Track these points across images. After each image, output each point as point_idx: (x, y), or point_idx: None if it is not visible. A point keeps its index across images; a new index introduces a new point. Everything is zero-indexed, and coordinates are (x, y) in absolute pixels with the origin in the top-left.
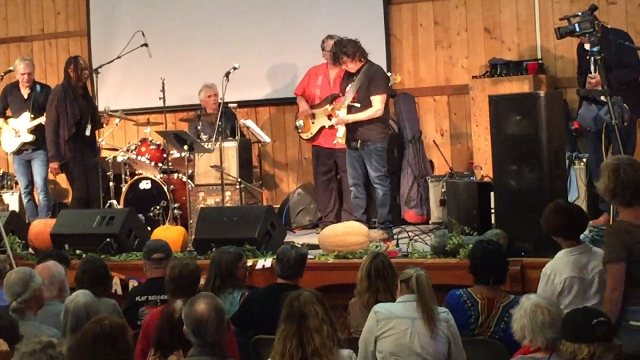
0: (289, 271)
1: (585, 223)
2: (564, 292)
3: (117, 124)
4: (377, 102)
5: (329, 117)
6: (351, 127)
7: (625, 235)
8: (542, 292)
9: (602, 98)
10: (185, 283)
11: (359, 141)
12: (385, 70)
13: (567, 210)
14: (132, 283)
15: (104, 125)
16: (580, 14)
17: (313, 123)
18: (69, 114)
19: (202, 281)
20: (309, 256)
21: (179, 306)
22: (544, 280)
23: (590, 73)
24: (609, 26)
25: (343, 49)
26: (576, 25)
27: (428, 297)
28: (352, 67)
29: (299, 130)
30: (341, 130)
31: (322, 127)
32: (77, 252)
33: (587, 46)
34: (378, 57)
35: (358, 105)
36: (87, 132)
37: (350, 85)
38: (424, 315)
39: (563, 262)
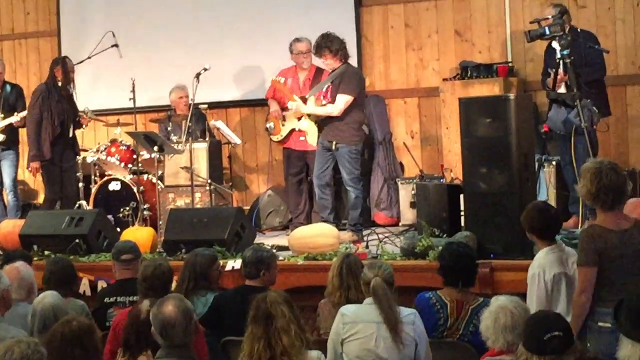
0: (253, 272)
1: (561, 224)
2: (554, 288)
3: (86, 125)
4: (340, 102)
5: (299, 119)
6: (326, 129)
7: (598, 240)
8: (535, 294)
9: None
10: (157, 284)
11: (334, 142)
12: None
13: (547, 211)
14: (101, 284)
15: (84, 126)
16: (550, 17)
17: (283, 125)
18: (54, 114)
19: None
20: (279, 258)
21: (145, 307)
22: (534, 281)
23: (555, 73)
24: (578, 29)
25: (328, 42)
26: (546, 28)
27: (386, 306)
28: (331, 63)
29: (270, 132)
30: (304, 124)
31: (292, 130)
32: (46, 253)
33: (555, 46)
34: (349, 59)
35: (325, 102)
36: (70, 134)
37: (322, 81)
38: (386, 322)
39: (548, 259)
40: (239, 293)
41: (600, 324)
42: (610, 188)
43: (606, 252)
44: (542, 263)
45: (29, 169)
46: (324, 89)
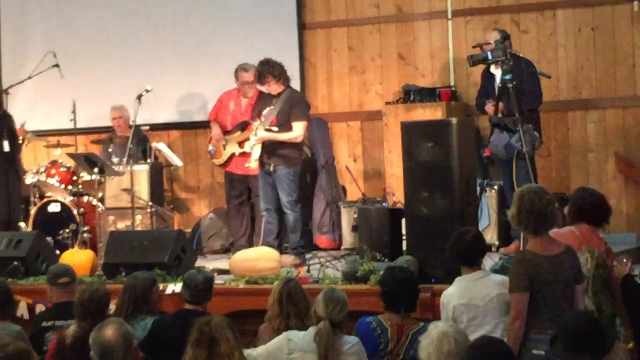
0: (197, 296)
1: (483, 249)
2: (456, 320)
3: (26, 145)
4: (299, 128)
5: (240, 144)
6: (265, 151)
7: (528, 265)
8: (442, 319)
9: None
10: (94, 309)
11: (272, 165)
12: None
13: (470, 237)
14: (39, 307)
15: (24, 144)
16: (492, 42)
17: (225, 149)
18: None
19: (110, 305)
20: (220, 281)
21: (70, 332)
22: (441, 306)
23: (495, 98)
24: (520, 55)
25: (270, 68)
26: (489, 53)
27: (323, 355)
28: (275, 88)
29: (211, 156)
30: (256, 153)
31: (233, 154)
32: None
33: (494, 71)
34: (292, 82)
35: (276, 129)
36: (6, 148)
37: (268, 108)
38: None
39: (454, 289)
40: (179, 317)
41: (534, 351)
42: (530, 212)
43: (537, 277)
44: (449, 292)
45: None
46: (275, 116)
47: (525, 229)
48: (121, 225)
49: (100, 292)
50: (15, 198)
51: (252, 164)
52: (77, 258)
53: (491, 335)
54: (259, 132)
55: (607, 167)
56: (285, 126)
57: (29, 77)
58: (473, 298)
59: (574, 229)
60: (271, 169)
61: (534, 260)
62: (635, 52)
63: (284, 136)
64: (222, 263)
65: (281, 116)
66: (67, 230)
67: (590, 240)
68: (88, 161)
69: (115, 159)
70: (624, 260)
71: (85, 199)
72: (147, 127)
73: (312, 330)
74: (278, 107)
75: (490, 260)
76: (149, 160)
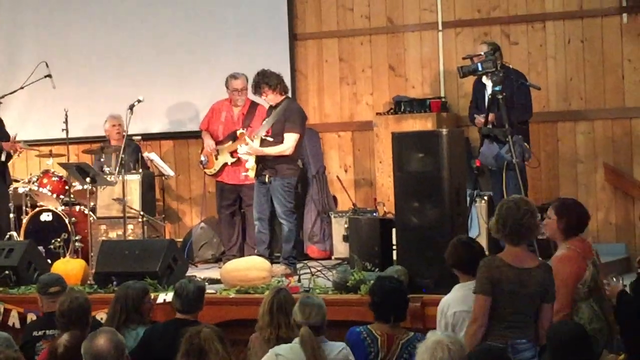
0: (189, 306)
1: (481, 256)
2: (456, 326)
3: (19, 155)
4: (290, 140)
5: (232, 154)
6: (261, 161)
7: (494, 271)
8: (438, 326)
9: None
10: (76, 317)
11: (267, 175)
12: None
13: (467, 245)
14: (31, 317)
15: (15, 154)
16: (482, 53)
17: (217, 159)
18: None
19: (101, 315)
20: (211, 291)
21: (62, 342)
22: (439, 314)
23: (487, 109)
24: (510, 66)
25: (266, 79)
26: (479, 64)
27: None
28: (272, 98)
29: (203, 166)
30: (251, 162)
31: (225, 164)
32: None
33: (485, 81)
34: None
35: (271, 139)
36: (2, 157)
37: (266, 119)
38: None
39: (454, 296)
40: (170, 327)
41: None
42: (506, 221)
43: (500, 284)
44: (449, 298)
45: None
46: (271, 126)
47: (502, 237)
48: (113, 234)
49: (80, 300)
50: (4, 207)
51: (250, 173)
52: (68, 267)
53: (491, 343)
54: (252, 144)
55: (596, 178)
56: (279, 137)
57: (22, 87)
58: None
59: (571, 246)
60: (266, 179)
61: (500, 268)
62: (624, 64)
63: (272, 150)
64: (213, 272)
65: (277, 126)
66: (59, 239)
67: (586, 251)
68: (80, 171)
69: (107, 169)
70: (614, 279)
71: (77, 208)
72: (139, 137)
73: (297, 340)
74: (275, 118)
75: None
76: (140, 170)
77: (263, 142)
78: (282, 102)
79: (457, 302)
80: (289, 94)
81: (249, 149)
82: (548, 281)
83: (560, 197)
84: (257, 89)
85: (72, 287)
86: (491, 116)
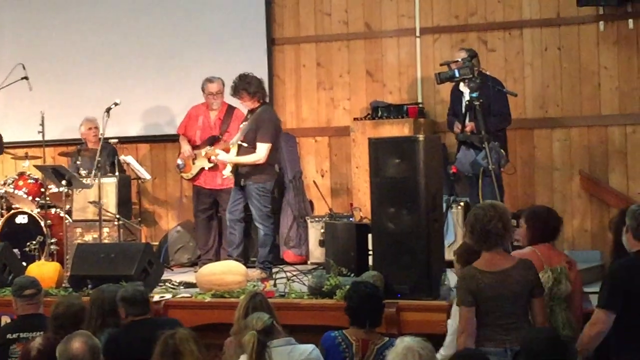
0: (143, 308)
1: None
2: None
3: None
4: (262, 150)
5: (209, 159)
6: (239, 168)
7: (471, 281)
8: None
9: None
10: (69, 323)
11: (243, 180)
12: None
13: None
14: (5, 319)
15: None
16: (460, 59)
17: (194, 164)
18: None
19: None
20: (186, 295)
21: (36, 345)
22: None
23: (464, 116)
24: (487, 73)
25: (245, 85)
26: (456, 71)
27: None
28: (248, 104)
29: (180, 170)
30: (228, 170)
31: (202, 169)
32: None
33: (463, 89)
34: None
35: (246, 145)
36: None
37: (244, 122)
38: None
39: None
40: (131, 329)
41: None
42: (474, 227)
43: (479, 293)
44: None
45: None
46: (245, 133)
47: (475, 244)
48: (88, 237)
49: (75, 307)
50: None
51: (228, 174)
52: (43, 270)
53: (471, 348)
54: (221, 155)
55: (572, 185)
56: (253, 144)
57: None
58: None
59: (534, 249)
60: (242, 183)
61: (477, 277)
62: (601, 72)
63: (245, 159)
64: (188, 276)
65: (250, 134)
66: (34, 242)
67: (551, 258)
68: (56, 173)
69: (83, 172)
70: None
71: (53, 211)
72: (116, 140)
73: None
74: (250, 125)
75: (455, 276)
76: (117, 173)
77: (240, 148)
78: (258, 108)
79: None
80: (267, 100)
81: (218, 159)
82: (531, 277)
83: (534, 205)
84: (235, 92)
85: (50, 290)
86: (470, 125)
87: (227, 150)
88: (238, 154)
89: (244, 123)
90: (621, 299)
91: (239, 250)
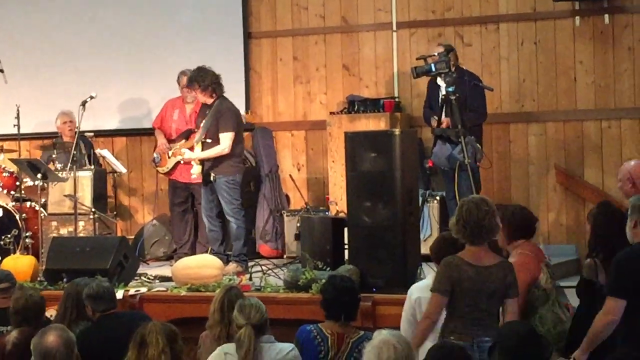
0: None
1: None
2: (417, 310)
3: None
4: (225, 140)
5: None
6: (204, 162)
7: (453, 270)
8: (404, 310)
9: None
10: (30, 315)
11: (212, 175)
12: (238, 104)
13: (451, 241)
14: None
15: None
16: (436, 54)
17: (169, 157)
18: None
19: (51, 311)
20: (162, 288)
21: (12, 338)
22: (407, 298)
23: (440, 110)
24: (464, 67)
25: (199, 77)
26: (432, 65)
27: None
28: (202, 98)
29: (156, 164)
30: (195, 167)
31: (178, 162)
32: None
33: (440, 82)
34: (238, 90)
35: (210, 141)
36: None
37: (203, 121)
38: None
39: (422, 282)
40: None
41: None
42: (467, 221)
43: (459, 283)
44: (418, 284)
45: None
46: (207, 129)
47: (462, 237)
48: (64, 231)
49: (35, 298)
50: None
51: (195, 175)
52: (18, 264)
53: (453, 342)
54: (186, 153)
55: (548, 179)
56: (216, 137)
57: None
58: None
59: (526, 252)
60: (211, 178)
61: (460, 266)
62: (577, 66)
63: (210, 152)
64: (164, 270)
65: (212, 129)
66: (9, 235)
67: (540, 254)
68: (31, 167)
69: (59, 165)
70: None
71: (28, 204)
72: (92, 134)
73: None
74: (209, 121)
75: (432, 271)
76: (92, 167)
77: (204, 145)
78: (215, 102)
79: (419, 289)
80: (224, 93)
81: (184, 158)
82: (510, 278)
83: (508, 204)
84: (190, 83)
85: (25, 283)
86: (446, 121)
87: (192, 149)
88: (203, 150)
89: (203, 120)
90: (630, 285)
91: (224, 246)
